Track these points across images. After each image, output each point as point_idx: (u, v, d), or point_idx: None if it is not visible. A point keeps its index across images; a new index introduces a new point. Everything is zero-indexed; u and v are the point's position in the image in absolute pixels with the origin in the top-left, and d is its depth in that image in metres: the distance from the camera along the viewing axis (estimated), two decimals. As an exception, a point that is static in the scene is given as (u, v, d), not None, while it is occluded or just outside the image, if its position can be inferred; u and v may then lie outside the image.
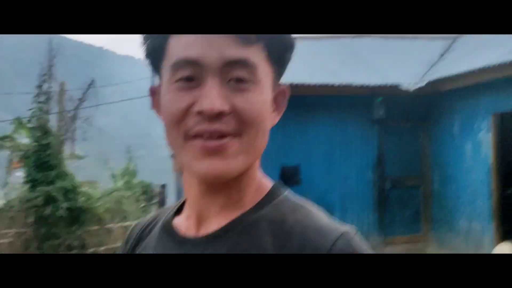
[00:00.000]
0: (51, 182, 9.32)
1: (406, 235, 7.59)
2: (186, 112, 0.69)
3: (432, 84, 6.80)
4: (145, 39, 0.75)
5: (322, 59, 7.68)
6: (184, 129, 0.69)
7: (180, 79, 0.69)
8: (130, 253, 0.86)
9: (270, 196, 0.78)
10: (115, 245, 10.49)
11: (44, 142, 9.53)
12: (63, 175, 9.73)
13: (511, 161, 7.22)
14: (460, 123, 6.81)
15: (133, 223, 6.82)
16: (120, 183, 12.97)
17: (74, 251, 9.13)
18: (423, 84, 6.84)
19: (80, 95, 11.26)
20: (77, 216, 9.73)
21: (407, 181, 7.59)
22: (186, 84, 0.69)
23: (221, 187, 0.74)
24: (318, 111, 7.11)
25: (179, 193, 9.47)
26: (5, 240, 8.47)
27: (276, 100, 0.79)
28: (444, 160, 7.21)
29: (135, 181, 13.38)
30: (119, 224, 10.96)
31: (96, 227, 10.16)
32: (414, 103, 7.45)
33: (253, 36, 0.69)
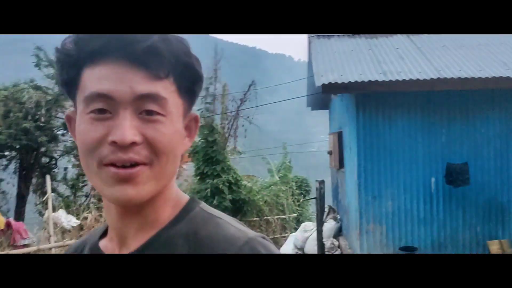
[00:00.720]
0: (217, 176, 10.10)
1: None
2: (100, 141, 0.73)
3: None
4: (60, 70, 0.77)
5: (492, 51, 7.16)
6: (99, 157, 0.73)
7: (93, 111, 0.73)
8: None
9: (185, 211, 0.82)
10: (274, 236, 11.06)
11: (210, 139, 10.34)
12: (227, 169, 10.45)
13: None
14: None
15: (290, 216, 7.18)
16: (276, 178, 13.62)
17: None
18: None
19: (241, 96, 12.01)
20: (240, 207, 10.41)
21: None
22: (100, 115, 0.73)
23: (137, 209, 0.79)
24: (489, 105, 6.65)
25: (335, 188, 9.65)
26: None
27: (188, 127, 0.84)
28: None
29: (291, 176, 13.94)
30: (277, 217, 11.52)
31: (256, 218, 10.82)
32: None
33: (162, 71, 0.74)
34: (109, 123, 0.73)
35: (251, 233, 0.79)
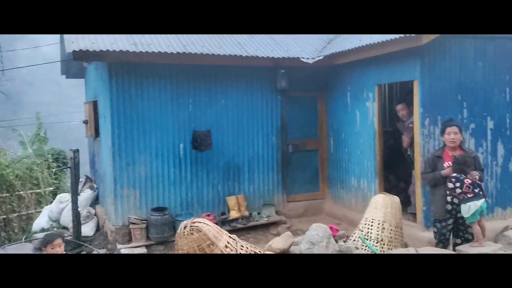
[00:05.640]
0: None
1: (306, 193, 8.49)
2: None
3: (328, 58, 7.58)
4: None
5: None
6: None
7: None
8: None
9: None
10: (28, 211, 10.43)
11: None
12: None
13: (388, 126, 8.36)
14: (351, 93, 7.70)
15: (45, 189, 7.05)
16: (30, 150, 12.70)
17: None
18: (321, 57, 7.60)
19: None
20: (-14, 183, 9.50)
21: (307, 145, 8.43)
22: None
23: None
24: (227, 80, 7.63)
25: (92, 158, 9.63)
26: None
27: None
28: (338, 126, 8.12)
29: (46, 148, 13.17)
30: (31, 191, 10.87)
31: (7, 194, 10.03)
32: (313, 75, 8.24)
33: None
34: None
35: None
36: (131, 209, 7.11)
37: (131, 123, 7.05)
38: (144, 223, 6.93)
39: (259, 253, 4.09)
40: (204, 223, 3.76)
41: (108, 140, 7.11)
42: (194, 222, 3.75)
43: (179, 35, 7.40)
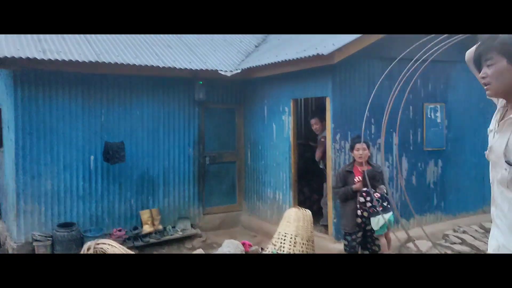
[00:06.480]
0: None
1: (223, 205, 8.46)
2: None
3: (246, 71, 7.65)
4: None
5: (148, 42, 7.97)
6: None
7: None
8: None
9: None
10: None
11: None
12: None
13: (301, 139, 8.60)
14: (268, 107, 7.82)
15: None
16: None
17: None
18: (238, 70, 7.65)
19: None
20: None
21: (224, 157, 8.42)
22: None
23: None
24: (143, 90, 7.44)
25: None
26: None
27: None
28: (255, 139, 8.20)
29: None
30: None
31: None
32: (231, 87, 8.27)
33: None
34: None
35: None
36: (36, 225, 6.68)
37: (38, 134, 6.64)
38: (49, 240, 6.52)
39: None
40: (109, 244, 3.59)
41: (12, 152, 6.64)
42: (98, 244, 3.57)
43: (92, 42, 7.10)
